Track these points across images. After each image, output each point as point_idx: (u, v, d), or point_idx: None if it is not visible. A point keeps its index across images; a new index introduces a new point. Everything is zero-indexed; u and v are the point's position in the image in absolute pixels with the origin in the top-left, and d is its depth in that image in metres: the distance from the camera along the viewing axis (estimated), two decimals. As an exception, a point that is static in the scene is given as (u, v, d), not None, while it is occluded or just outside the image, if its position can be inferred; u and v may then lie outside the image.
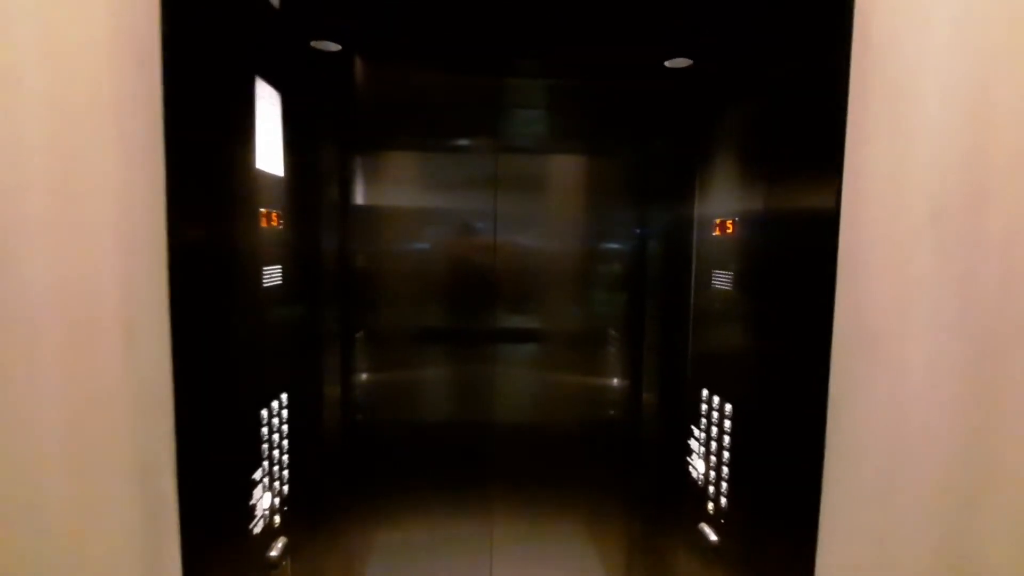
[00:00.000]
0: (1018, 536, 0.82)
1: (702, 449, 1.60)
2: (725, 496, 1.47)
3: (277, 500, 1.39)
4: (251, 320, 1.21)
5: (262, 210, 1.25)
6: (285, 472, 1.43)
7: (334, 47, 1.48)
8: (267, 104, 1.27)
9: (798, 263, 1.18)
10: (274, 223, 1.31)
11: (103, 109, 0.80)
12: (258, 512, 1.27)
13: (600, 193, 1.99)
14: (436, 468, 1.94)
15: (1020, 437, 0.87)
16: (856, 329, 0.98)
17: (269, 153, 1.28)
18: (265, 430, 1.31)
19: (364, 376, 1.91)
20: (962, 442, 0.89)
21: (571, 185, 1.98)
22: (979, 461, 0.87)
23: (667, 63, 1.57)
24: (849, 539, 1.00)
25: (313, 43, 1.46)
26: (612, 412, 2.03)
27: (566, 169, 1.99)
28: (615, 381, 2.01)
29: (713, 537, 1.49)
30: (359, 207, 1.83)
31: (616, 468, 2.01)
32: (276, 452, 1.38)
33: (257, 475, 1.27)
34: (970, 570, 0.87)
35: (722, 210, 1.52)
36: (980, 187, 0.91)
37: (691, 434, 1.66)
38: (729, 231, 1.47)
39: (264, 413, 1.31)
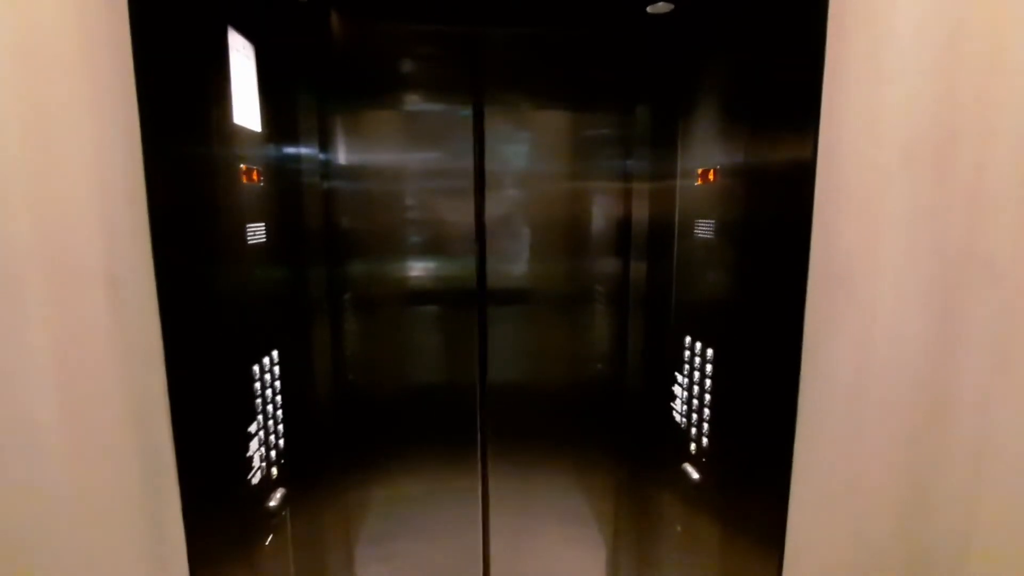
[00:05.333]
0: (973, 455, 0.88)
1: (685, 394, 1.65)
2: (707, 436, 1.53)
3: (273, 453, 1.42)
4: (237, 275, 1.22)
5: (242, 166, 1.24)
6: (280, 427, 1.47)
7: (307, -5, 1.43)
8: (241, 56, 1.24)
9: (776, 208, 1.20)
10: (255, 179, 1.30)
11: (71, 54, 0.78)
12: (255, 464, 1.31)
13: (583, 146, 1.98)
14: (429, 424, 1.99)
15: (979, 368, 0.91)
16: (829, 269, 1.01)
17: (246, 107, 1.26)
18: (258, 385, 1.34)
19: (355, 336, 1.92)
20: (925, 372, 0.93)
21: (555, 138, 1.96)
22: (940, 389, 0.92)
23: (649, 8, 1.55)
24: (821, 466, 1.05)
25: (285, -8, 1.41)
26: (599, 365, 2.08)
27: (550, 122, 1.97)
28: (601, 333, 2.05)
29: (695, 475, 1.56)
30: (342, 165, 1.81)
31: (603, 417, 2.07)
32: (270, 407, 1.41)
33: (252, 428, 1.30)
34: (931, 486, 0.93)
35: (704, 160, 1.53)
36: (949, 129, 0.92)
37: (675, 380, 1.72)
38: (711, 180, 1.49)
39: (256, 369, 1.33)
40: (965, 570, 0.89)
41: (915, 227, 0.95)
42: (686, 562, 1.67)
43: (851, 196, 1.00)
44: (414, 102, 1.84)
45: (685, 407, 1.65)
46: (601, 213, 1.97)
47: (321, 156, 1.75)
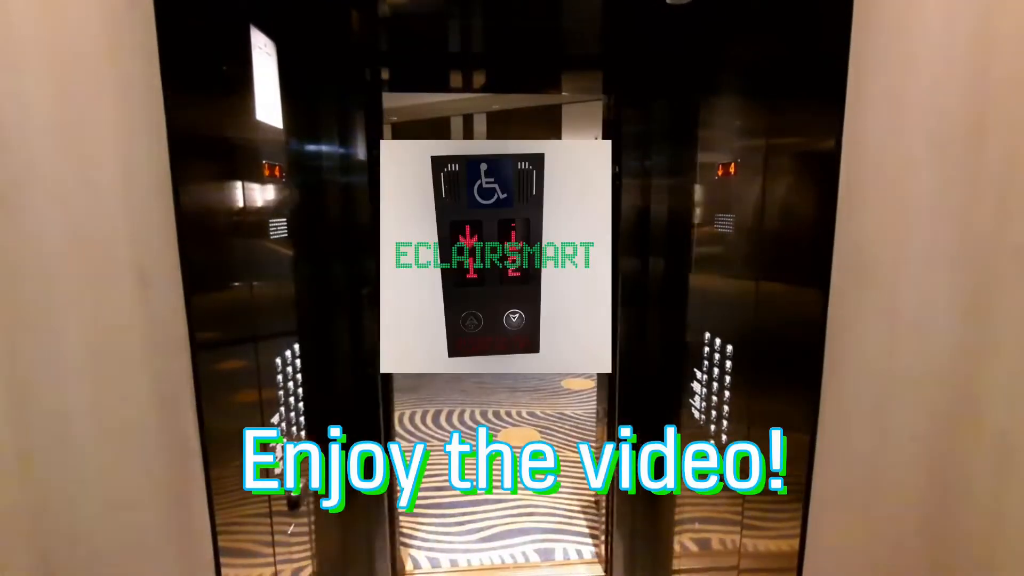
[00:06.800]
0: (1000, 452, 0.85)
1: (704, 390, 1.64)
2: (726, 433, 1.51)
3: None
4: (259, 269, 1.24)
5: (264, 162, 1.26)
6: (302, 419, 1.49)
7: (327, -8, 1.45)
8: (263, 54, 1.26)
9: (799, 200, 1.18)
10: (277, 175, 1.32)
11: (99, 52, 0.80)
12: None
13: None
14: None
15: (1008, 366, 0.89)
16: (853, 262, 0.99)
17: (268, 104, 1.28)
18: (280, 377, 1.36)
19: (373, 330, 1.94)
20: (952, 368, 0.91)
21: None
22: (967, 385, 0.89)
23: None
24: (844, 465, 1.04)
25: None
26: (617, 359, 2.07)
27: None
28: (619, 331, 2.04)
29: (714, 472, 1.54)
30: (361, 161, 1.83)
31: (621, 413, 2.06)
32: (292, 399, 1.43)
33: (275, 419, 1.32)
34: (956, 484, 0.91)
35: (724, 152, 1.51)
36: (979, 118, 0.89)
37: (694, 377, 1.70)
38: (732, 173, 1.46)
39: (278, 361, 1.36)
40: (991, 569, 0.87)
41: (942, 218, 0.93)
42: (704, 561, 1.66)
43: (876, 187, 0.97)
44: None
45: (704, 403, 1.64)
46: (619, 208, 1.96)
47: (340, 152, 1.77)
